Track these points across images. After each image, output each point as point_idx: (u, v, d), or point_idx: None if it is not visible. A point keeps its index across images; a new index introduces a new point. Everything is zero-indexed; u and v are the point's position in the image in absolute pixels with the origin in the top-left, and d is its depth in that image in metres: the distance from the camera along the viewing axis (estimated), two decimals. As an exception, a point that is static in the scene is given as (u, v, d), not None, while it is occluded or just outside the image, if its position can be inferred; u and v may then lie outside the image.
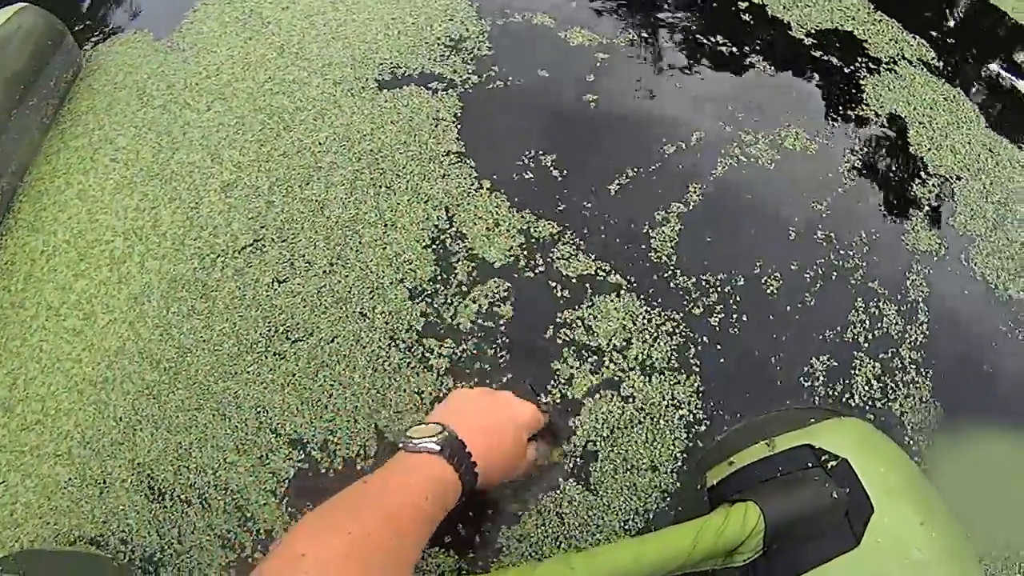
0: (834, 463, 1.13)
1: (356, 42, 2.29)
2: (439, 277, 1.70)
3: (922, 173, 1.94)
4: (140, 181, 2.02)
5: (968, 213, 1.87)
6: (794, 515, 1.07)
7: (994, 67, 2.25)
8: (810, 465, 1.16)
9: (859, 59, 2.22)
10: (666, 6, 2.40)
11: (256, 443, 1.51)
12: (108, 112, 2.32)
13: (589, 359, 1.55)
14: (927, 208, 1.86)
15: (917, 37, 2.29)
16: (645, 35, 2.29)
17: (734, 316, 1.62)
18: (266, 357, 1.62)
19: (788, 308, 1.63)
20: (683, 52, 2.25)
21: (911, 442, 1.47)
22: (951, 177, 1.93)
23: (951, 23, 2.38)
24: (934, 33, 2.31)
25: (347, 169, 1.90)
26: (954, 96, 2.13)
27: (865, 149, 1.98)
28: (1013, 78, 2.20)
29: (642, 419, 1.47)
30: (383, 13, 2.39)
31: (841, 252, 1.74)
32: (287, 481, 1.46)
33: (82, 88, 2.49)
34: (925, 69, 2.20)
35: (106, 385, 1.65)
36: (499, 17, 2.32)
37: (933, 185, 1.91)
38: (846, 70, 2.19)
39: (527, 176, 1.88)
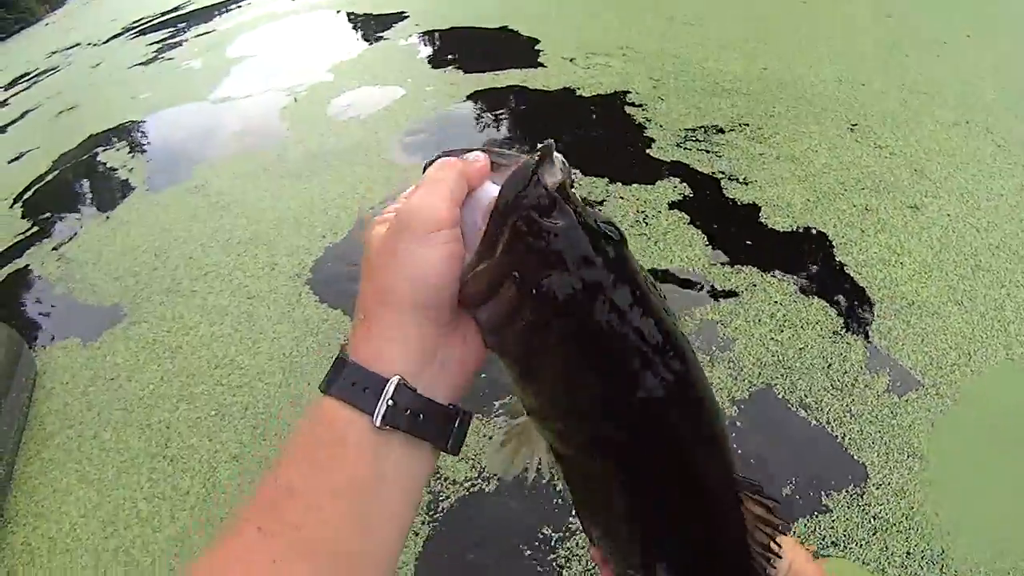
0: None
1: (277, 354, 2.95)
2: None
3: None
4: (142, 462, 2.55)
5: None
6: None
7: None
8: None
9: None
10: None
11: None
12: (66, 414, 2.86)
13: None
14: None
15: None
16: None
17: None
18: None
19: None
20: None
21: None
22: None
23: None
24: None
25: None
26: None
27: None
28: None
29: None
30: (276, 332, 3.08)
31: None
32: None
33: (40, 393, 2.98)
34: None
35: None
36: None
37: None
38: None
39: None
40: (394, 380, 0.47)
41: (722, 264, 3.01)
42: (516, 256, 0.47)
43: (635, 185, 3.61)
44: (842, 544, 1.97)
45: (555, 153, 0.49)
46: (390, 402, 0.47)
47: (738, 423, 2.33)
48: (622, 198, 3.52)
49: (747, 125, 4.06)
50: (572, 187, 0.50)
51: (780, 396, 2.40)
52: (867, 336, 2.58)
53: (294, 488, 0.47)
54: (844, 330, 2.61)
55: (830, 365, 2.47)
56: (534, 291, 0.46)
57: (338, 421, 0.47)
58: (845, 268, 2.90)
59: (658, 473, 0.51)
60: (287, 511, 0.46)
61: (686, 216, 3.33)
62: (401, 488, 0.49)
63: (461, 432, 0.52)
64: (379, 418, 0.47)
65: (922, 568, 1.88)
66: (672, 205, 3.42)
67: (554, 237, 0.46)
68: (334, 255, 3.55)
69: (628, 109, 4.46)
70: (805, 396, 2.38)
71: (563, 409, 0.51)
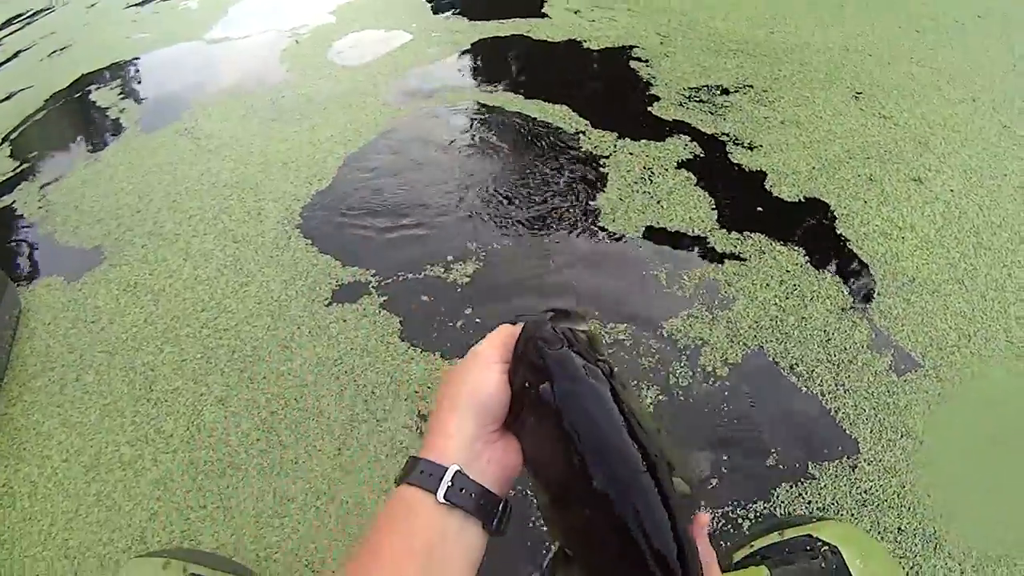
0: (826, 548, 1.45)
1: (265, 297, 2.91)
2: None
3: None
4: (126, 406, 2.51)
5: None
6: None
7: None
8: (808, 548, 1.47)
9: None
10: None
11: None
12: (48, 356, 2.81)
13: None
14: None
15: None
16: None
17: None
18: (305, 511, 2.10)
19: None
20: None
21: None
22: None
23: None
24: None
25: (331, 384, 2.48)
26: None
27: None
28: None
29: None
30: (264, 275, 3.03)
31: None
32: None
33: (23, 332, 2.96)
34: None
35: (143, 544, 2.08)
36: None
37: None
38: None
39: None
40: (453, 468, 0.62)
41: (728, 228, 3.00)
42: (528, 371, 0.64)
43: (643, 141, 3.57)
44: (831, 513, 1.97)
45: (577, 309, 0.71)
46: (449, 483, 0.61)
47: (728, 382, 2.34)
48: (631, 154, 3.48)
49: (751, 87, 4.00)
50: (594, 339, 0.68)
51: (772, 360, 2.41)
52: (869, 314, 2.56)
53: (381, 550, 0.60)
54: (850, 306, 2.59)
55: (829, 339, 2.46)
56: (535, 396, 0.63)
57: (411, 499, 0.61)
58: (848, 242, 2.88)
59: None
60: (375, 569, 0.59)
61: (692, 176, 3.30)
62: (460, 555, 0.61)
63: (505, 516, 0.65)
64: (441, 494, 0.60)
65: (916, 545, 1.87)
66: (679, 164, 3.38)
67: (552, 359, 0.64)
68: (322, 200, 3.50)
69: (633, 64, 4.36)
70: (796, 364, 2.38)
71: (554, 497, 0.63)
